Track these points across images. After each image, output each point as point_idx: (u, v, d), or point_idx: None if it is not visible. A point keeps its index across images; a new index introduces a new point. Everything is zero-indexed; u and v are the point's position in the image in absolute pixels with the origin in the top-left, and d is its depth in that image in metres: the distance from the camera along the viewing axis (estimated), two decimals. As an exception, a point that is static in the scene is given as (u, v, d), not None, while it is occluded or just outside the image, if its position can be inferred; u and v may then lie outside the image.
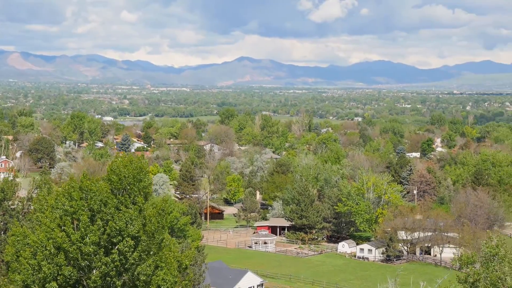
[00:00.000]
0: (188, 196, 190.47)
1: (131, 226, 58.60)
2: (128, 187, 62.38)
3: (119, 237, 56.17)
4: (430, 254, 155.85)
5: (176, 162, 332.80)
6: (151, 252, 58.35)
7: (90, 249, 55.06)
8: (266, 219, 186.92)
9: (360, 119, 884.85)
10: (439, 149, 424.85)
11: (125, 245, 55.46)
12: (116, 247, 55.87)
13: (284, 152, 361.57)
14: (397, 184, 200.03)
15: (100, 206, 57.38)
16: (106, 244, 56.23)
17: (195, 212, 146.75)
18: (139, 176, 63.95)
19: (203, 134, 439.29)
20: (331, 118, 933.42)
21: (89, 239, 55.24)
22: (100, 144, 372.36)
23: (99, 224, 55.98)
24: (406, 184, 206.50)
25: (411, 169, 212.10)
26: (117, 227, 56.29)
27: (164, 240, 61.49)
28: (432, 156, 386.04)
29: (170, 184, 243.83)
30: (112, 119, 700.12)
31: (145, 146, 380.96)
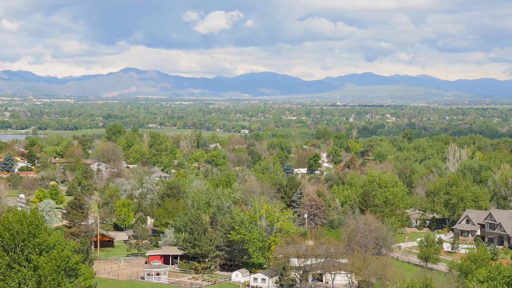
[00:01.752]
0: (77, 225, 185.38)
1: (25, 287, 56.16)
2: (22, 244, 59.82)
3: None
4: (322, 281, 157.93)
5: (62, 182, 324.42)
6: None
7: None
8: (158, 247, 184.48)
9: (247, 131, 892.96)
10: (325, 164, 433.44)
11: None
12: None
13: (173, 170, 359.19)
14: (288, 206, 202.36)
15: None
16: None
17: (87, 249, 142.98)
18: (34, 231, 61.45)
19: (89, 152, 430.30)
20: (218, 130, 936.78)
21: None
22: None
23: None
24: (297, 207, 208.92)
25: (301, 192, 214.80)
26: None
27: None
28: (319, 171, 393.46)
29: (57, 208, 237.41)
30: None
31: (29, 166, 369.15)
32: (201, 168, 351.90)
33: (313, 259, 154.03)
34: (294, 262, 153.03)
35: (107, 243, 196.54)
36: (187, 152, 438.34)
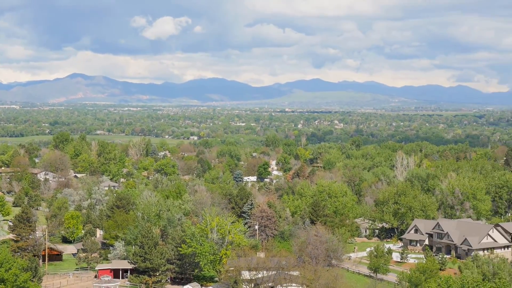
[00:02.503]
0: (24, 238, 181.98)
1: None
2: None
3: None
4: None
5: (8, 193, 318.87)
6: None
7: None
8: (108, 260, 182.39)
9: (196, 138, 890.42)
10: (275, 172, 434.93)
11: None
12: None
13: (122, 179, 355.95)
14: (238, 217, 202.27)
15: None
16: None
17: (35, 266, 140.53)
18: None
19: (36, 160, 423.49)
20: (167, 137, 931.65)
21: None
22: None
23: None
24: (248, 218, 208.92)
25: (252, 203, 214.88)
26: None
27: None
28: (269, 179, 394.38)
29: (3, 220, 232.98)
30: None
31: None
32: (150, 177, 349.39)
33: (265, 272, 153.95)
34: (246, 275, 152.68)
35: (56, 256, 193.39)
36: (136, 161, 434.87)
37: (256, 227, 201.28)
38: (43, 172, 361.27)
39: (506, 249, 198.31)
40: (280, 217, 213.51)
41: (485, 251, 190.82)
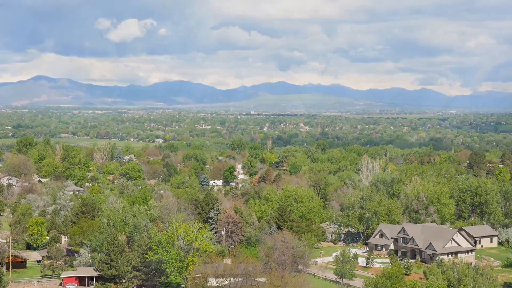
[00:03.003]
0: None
1: None
2: None
3: None
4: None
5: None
6: None
7: None
8: (73, 268, 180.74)
9: (161, 141, 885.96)
10: (241, 176, 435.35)
11: None
12: None
13: (87, 184, 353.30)
14: (205, 222, 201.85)
15: None
16: None
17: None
18: None
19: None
20: (132, 140, 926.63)
21: None
22: None
23: None
24: (214, 224, 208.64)
25: (218, 209, 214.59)
26: None
27: None
28: (235, 183, 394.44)
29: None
30: None
31: None
32: (115, 182, 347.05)
33: (232, 278, 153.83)
34: (212, 282, 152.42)
35: (20, 264, 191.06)
36: (101, 165, 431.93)
37: (223, 233, 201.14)
38: (6, 177, 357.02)
39: (469, 253, 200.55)
40: (246, 222, 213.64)
41: (449, 256, 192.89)
